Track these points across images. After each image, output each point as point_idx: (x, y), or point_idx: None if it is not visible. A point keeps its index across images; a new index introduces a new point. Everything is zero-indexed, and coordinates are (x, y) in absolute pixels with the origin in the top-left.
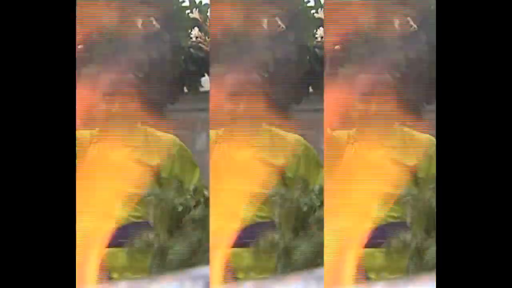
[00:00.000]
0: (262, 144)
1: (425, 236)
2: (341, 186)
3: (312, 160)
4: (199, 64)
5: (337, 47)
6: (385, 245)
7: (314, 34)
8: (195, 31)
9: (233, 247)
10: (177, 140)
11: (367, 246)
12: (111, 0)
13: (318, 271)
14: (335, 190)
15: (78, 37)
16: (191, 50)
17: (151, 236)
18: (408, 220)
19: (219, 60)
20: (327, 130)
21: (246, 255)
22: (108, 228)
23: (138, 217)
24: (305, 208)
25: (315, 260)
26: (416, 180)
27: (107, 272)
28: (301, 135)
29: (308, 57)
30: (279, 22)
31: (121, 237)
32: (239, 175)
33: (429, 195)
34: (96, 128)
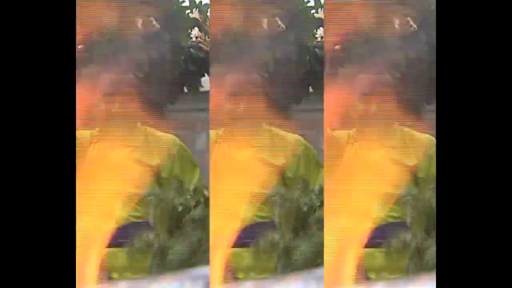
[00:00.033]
0: (262, 144)
1: (425, 236)
2: (341, 186)
3: (312, 160)
4: (199, 64)
5: (337, 47)
6: (385, 245)
7: (314, 34)
8: (195, 31)
9: (233, 247)
10: (177, 140)
11: (367, 246)
12: (111, 0)
13: (318, 271)
14: (335, 190)
15: (78, 37)
16: (191, 50)
17: (151, 236)
18: (408, 220)
19: (219, 60)
20: (327, 130)
21: (246, 255)
22: (108, 228)
23: (138, 217)
24: (305, 208)
25: (315, 260)
26: (416, 180)
27: (107, 272)
28: (301, 135)
29: (308, 57)
30: (279, 22)
31: (121, 237)
32: (239, 175)
33: (429, 195)
34: (96, 128)
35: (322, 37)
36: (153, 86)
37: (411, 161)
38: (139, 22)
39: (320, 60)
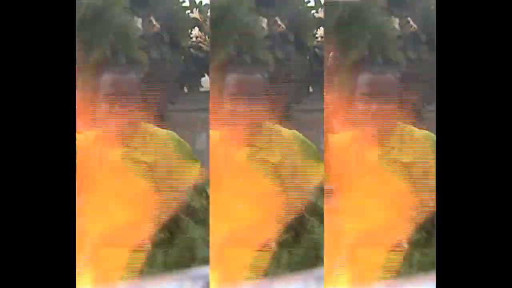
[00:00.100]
0: (262, 144)
1: (425, 236)
2: (341, 186)
3: (312, 156)
4: (199, 64)
5: (331, 54)
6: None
7: (314, 34)
8: (195, 31)
9: (233, 247)
10: (176, 135)
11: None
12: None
13: (318, 271)
14: (335, 190)
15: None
16: (191, 50)
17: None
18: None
19: (219, 60)
20: (328, 131)
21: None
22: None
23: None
24: (304, 208)
25: (315, 260)
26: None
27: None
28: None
29: (308, 57)
30: (279, 22)
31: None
32: (239, 175)
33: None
34: (96, 128)
35: (322, 37)
36: (153, 86)
37: (411, 161)
38: (139, 22)
39: (320, 60)
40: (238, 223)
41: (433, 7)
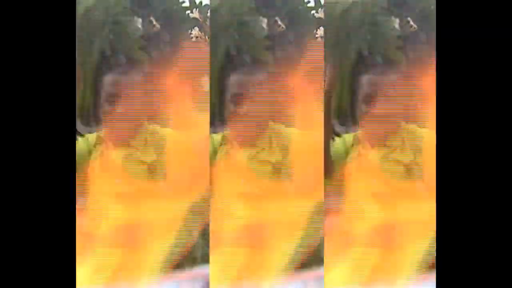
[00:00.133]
0: (262, 144)
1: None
2: (341, 186)
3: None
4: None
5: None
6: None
7: (314, 34)
8: (195, 31)
9: (233, 247)
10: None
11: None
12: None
13: (318, 271)
14: (335, 190)
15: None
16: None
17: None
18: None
19: (219, 60)
20: (328, 131)
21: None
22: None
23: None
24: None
25: (313, 260)
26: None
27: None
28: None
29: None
30: (279, 22)
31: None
32: (239, 175)
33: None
34: (97, 128)
35: (322, 37)
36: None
37: (412, 161)
38: (139, 22)
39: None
40: (238, 223)
41: (433, 7)
